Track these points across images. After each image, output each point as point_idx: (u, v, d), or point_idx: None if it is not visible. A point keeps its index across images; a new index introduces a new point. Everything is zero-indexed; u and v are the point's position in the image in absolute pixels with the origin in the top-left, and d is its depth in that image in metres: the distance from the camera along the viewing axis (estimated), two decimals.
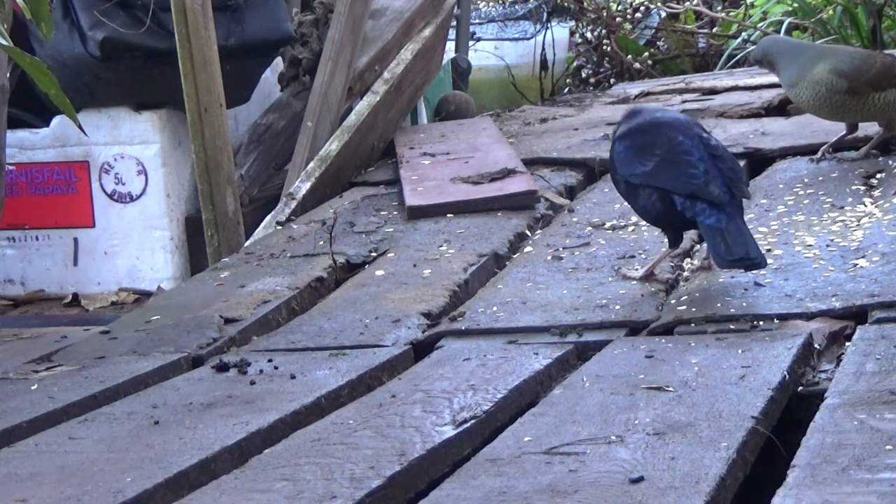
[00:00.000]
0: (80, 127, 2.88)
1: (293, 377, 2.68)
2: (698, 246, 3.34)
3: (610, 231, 3.63)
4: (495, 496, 1.93)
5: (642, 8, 8.07)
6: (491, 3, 8.67)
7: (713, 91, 5.68)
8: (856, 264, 3.03)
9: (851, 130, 4.18)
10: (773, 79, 4.55)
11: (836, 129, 4.22)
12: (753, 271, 2.97)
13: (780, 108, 5.00)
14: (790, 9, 7.33)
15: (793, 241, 3.29)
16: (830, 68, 4.02)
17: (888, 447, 1.95)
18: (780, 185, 3.91)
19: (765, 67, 4.23)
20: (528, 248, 3.59)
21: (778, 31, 7.02)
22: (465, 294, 3.30)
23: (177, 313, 3.29)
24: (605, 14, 7.88)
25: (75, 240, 4.78)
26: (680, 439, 2.09)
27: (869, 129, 4.18)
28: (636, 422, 2.19)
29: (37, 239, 4.81)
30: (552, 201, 4.06)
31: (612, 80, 7.52)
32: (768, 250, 3.22)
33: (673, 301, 2.97)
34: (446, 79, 6.48)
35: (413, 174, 4.39)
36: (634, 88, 6.18)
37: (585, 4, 8.14)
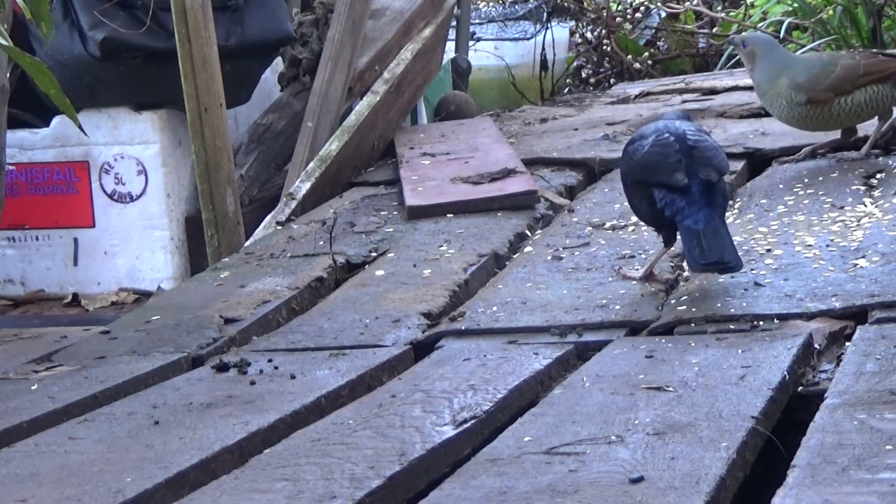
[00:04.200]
0: (80, 127, 2.88)
1: (293, 377, 2.68)
2: None
3: (610, 231, 3.63)
4: (495, 496, 1.93)
5: (642, 8, 8.07)
6: (491, 3, 8.66)
7: (713, 91, 5.68)
8: (856, 264, 3.03)
9: (847, 135, 4.15)
10: None
11: (835, 131, 4.20)
12: (727, 274, 2.98)
13: None
14: (790, 9, 7.32)
15: (793, 241, 3.29)
16: (789, 82, 3.98)
17: (888, 447, 1.95)
18: (780, 185, 3.91)
19: (742, 56, 4.16)
20: (528, 248, 3.59)
21: (778, 31, 7.01)
22: (465, 294, 3.30)
23: (177, 313, 3.29)
24: (605, 14, 7.88)
25: (75, 240, 4.77)
26: (680, 439, 2.09)
27: (867, 128, 4.16)
28: (636, 422, 2.19)
29: (37, 239, 4.81)
30: (552, 201, 4.05)
31: (612, 80, 7.51)
32: (768, 250, 3.23)
33: (673, 301, 2.97)
34: (446, 79, 6.48)
35: (413, 174, 4.39)
36: (634, 88, 6.18)
37: (585, 4, 8.14)
